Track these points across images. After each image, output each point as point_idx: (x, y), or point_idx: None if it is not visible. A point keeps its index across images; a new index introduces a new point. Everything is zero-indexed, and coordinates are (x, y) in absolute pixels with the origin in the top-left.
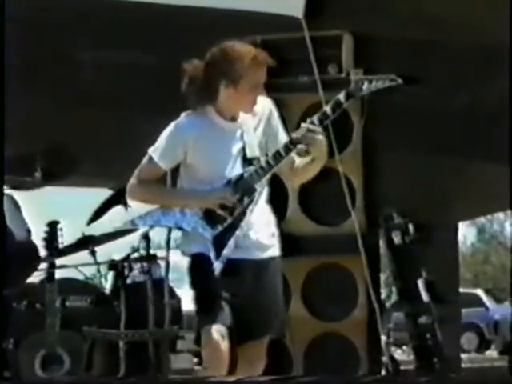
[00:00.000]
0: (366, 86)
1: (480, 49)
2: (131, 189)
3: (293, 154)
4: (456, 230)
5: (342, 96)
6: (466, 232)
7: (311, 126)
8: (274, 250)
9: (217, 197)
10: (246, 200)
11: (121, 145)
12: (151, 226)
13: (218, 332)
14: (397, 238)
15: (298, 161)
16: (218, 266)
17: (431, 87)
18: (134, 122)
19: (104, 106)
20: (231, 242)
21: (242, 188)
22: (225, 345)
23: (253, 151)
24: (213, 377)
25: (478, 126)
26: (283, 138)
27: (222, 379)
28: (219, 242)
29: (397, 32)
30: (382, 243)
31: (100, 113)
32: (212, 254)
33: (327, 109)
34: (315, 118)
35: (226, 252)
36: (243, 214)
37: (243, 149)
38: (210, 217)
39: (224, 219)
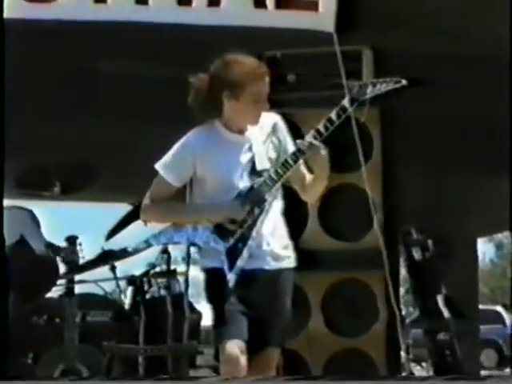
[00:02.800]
0: (370, 89)
1: (495, 61)
2: (144, 209)
3: (304, 171)
4: (475, 245)
5: (346, 101)
6: (483, 248)
7: (314, 141)
8: (290, 261)
9: (226, 211)
10: (256, 210)
11: (140, 159)
12: (164, 244)
13: (236, 347)
14: (417, 254)
15: (309, 177)
16: (231, 278)
17: (450, 101)
18: (153, 136)
19: (122, 120)
20: (245, 253)
21: (252, 199)
22: (243, 360)
23: (262, 163)
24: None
25: (496, 139)
26: (292, 149)
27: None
28: (232, 254)
29: (417, 46)
30: (401, 259)
31: (119, 126)
32: (225, 266)
33: (332, 115)
34: (321, 125)
35: (239, 263)
36: (254, 224)
37: (252, 161)
38: (221, 230)
39: (234, 231)
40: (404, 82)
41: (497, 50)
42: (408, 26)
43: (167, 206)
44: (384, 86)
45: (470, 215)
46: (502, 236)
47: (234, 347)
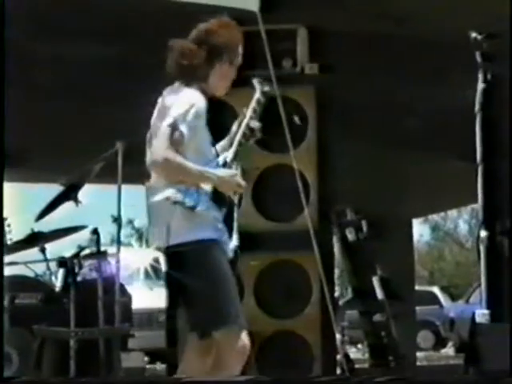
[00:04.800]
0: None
1: (432, 42)
2: (167, 161)
3: None
4: (410, 226)
5: (260, 96)
6: (420, 230)
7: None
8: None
9: (236, 181)
10: None
11: (71, 140)
12: (175, 203)
13: (246, 336)
14: (351, 235)
15: None
16: (233, 247)
17: (383, 81)
18: (85, 117)
19: (54, 100)
20: (235, 224)
21: None
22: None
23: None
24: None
25: (431, 121)
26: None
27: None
28: (226, 224)
29: (351, 26)
30: (335, 240)
31: (50, 107)
32: (226, 235)
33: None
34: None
35: (235, 234)
36: (232, 198)
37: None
38: (217, 198)
39: (225, 202)
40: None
41: (434, 32)
42: (344, 7)
43: (186, 162)
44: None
45: (406, 196)
46: (438, 217)
47: (246, 337)
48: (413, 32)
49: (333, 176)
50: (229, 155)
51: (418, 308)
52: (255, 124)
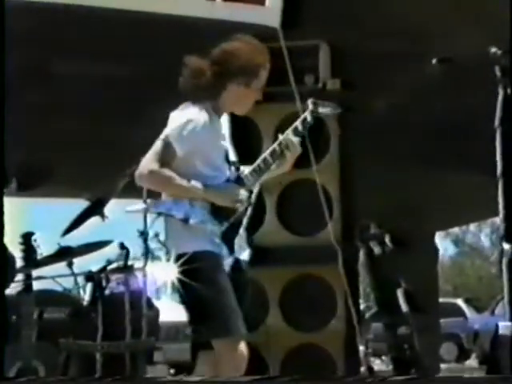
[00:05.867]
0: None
1: (455, 60)
2: (154, 174)
3: None
4: (433, 240)
5: (309, 116)
6: (442, 244)
7: (292, 137)
8: (248, 254)
9: (235, 196)
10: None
11: (96, 156)
12: (159, 214)
13: (244, 345)
14: (375, 249)
15: None
16: (230, 262)
17: (407, 99)
18: (109, 133)
19: (79, 118)
20: (237, 240)
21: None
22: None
23: (231, 155)
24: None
25: (453, 137)
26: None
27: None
28: (227, 239)
29: (373, 43)
30: (360, 254)
31: (75, 124)
32: (224, 250)
33: (299, 126)
34: (298, 124)
35: (237, 248)
36: (244, 213)
37: (226, 150)
38: (217, 212)
39: (228, 216)
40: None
41: (457, 50)
42: (365, 24)
43: (175, 176)
44: (325, 110)
45: (428, 210)
46: (460, 231)
47: (244, 345)
48: (431, 49)
49: (355, 190)
50: (246, 170)
51: (442, 320)
52: (292, 139)
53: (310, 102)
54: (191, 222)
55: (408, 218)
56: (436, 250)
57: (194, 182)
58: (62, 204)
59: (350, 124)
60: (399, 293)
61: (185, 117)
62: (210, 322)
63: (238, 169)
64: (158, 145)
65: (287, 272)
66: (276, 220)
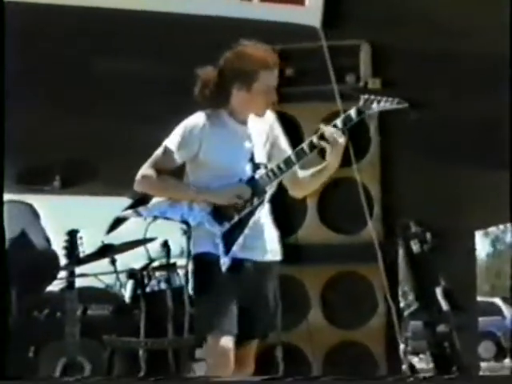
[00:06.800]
0: (375, 105)
1: (493, 59)
2: (145, 178)
3: (296, 168)
4: (473, 238)
5: (353, 112)
6: (480, 243)
7: (332, 129)
8: (277, 254)
9: (234, 193)
10: (255, 201)
11: (139, 154)
12: (155, 217)
13: (230, 342)
14: (415, 247)
15: (302, 174)
16: (226, 262)
17: (447, 97)
18: (153, 131)
19: (122, 116)
20: (241, 240)
21: (253, 189)
22: (232, 354)
23: (260, 156)
24: (217, 377)
25: (493, 134)
26: (286, 146)
27: (226, 379)
28: (228, 239)
29: (414, 42)
30: (400, 252)
31: (119, 122)
32: (221, 250)
33: (338, 122)
34: (339, 121)
35: (235, 248)
36: (252, 213)
37: (251, 152)
38: (217, 213)
39: (231, 217)
40: (406, 104)
41: (495, 49)
42: (406, 23)
43: (171, 180)
44: (388, 105)
45: (469, 208)
46: (498, 231)
47: (229, 342)
48: (470, 47)
49: (396, 189)
50: (271, 164)
51: (480, 319)
52: (330, 131)
53: (362, 97)
54: (190, 224)
55: (448, 216)
56: (475, 248)
57: (190, 185)
58: (105, 202)
59: (390, 122)
60: (438, 291)
61: (186, 122)
62: (197, 320)
63: (256, 169)
64: (158, 151)
65: (328, 270)
66: (317, 218)
